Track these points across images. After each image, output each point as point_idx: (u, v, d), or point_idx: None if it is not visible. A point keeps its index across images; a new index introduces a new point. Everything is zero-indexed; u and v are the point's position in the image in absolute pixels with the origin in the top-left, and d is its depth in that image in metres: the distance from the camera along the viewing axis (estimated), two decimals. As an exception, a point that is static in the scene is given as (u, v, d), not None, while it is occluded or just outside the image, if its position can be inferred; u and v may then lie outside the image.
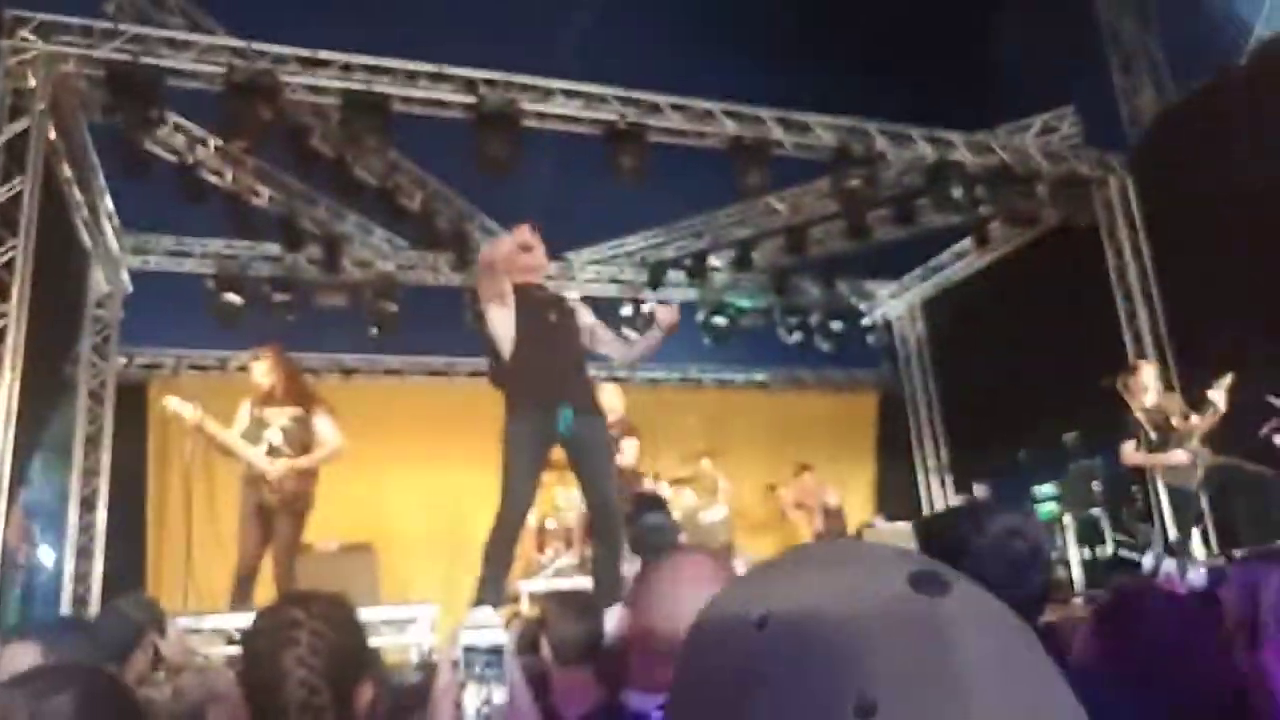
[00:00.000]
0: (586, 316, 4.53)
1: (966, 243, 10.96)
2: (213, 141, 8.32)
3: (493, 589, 4.17)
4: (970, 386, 11.62)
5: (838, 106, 8.37)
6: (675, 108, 7.92)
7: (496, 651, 1.47)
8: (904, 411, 12.52)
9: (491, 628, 1.52)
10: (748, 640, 0.46)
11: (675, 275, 11.01)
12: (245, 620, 4.67)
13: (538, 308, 4.26)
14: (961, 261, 11.36)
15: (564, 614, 2.65)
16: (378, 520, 9.08)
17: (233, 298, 9.35)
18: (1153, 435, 6.86)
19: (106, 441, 8.73)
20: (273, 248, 9.59)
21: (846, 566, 0.49)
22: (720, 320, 11.23)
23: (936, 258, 11.63)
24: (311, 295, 9.79)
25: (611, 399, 6.19)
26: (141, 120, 6.84)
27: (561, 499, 8.62)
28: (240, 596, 5.50)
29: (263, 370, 5.69)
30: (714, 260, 10.90)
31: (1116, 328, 9.15)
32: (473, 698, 1.44)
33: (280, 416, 5.61)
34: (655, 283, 10.84)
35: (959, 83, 9.13)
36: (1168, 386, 7.19)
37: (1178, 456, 6.76)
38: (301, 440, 5.61)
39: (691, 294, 11.35)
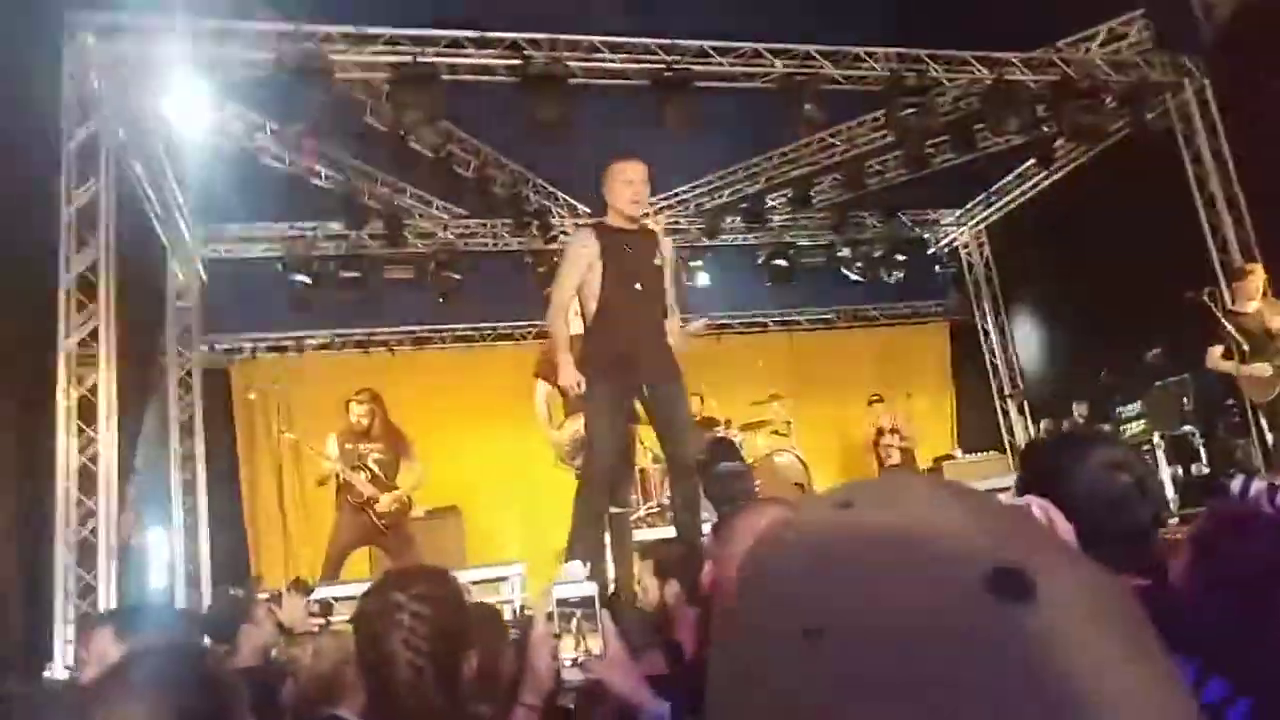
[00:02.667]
0: (668, 271, 4.56)
1: (1030, 164, 10.64)
2: (269, 125, 8.48)
3: (583, 543, 4.31)
4: (1043, 310, 11.38)
5: (887, 37, 8.14)
6: (721, 51, 7.80)
7: (589, 603, 1.52)
8: (977, 340, 12.30)
9: (582, 580, 1.58)
10: (799, 657, 0.40)
11: (732, 221, 10.93)
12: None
13: (629, 263, 4.34)
14: (1026, 183, 11.04)
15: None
16: (460, 483, 9.34)
17: (302, 278, 9.58)
18: (1244, 345, 6.65)
19: (198, 427, 9.08)
20: (336, 226, 9.78)
21: (915, 556, 0.41)
22: (781, 262, 11.13)
23: (1000, 182, 11.32)
24: (377, 270, 9.98)
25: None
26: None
27: (638, 448, 8.74)
28: (330, 575, 6.17)
29: (362, 411, 6.41)
30: (771, 202, 10.77)
31: (1197, 239, 8.80)
32: (568, 648, 1.51)
33: (373, 451, 6.37)
34: (713, 231, 10.78)
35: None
36: (1266, 295, 6.89)
37: (1259, 369, 6.55)
38: (393, 467, 6.42)
39: (750, 238, 11.28)
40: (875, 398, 10.27)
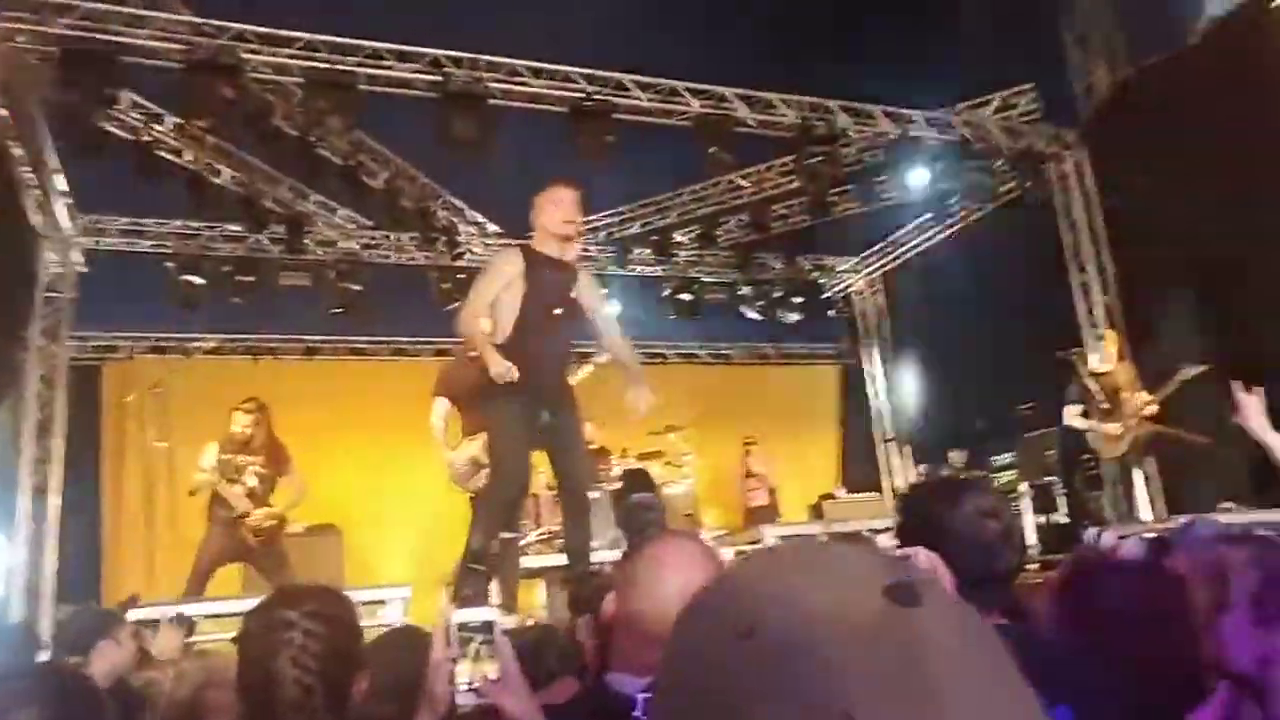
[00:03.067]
0: (594, 300, 4.65)
1: (926, 217, 11.14)
2: (170, 119, 8.16)
3: (477, 568, 4.26)
4: (929, 359, 11.87)
5: (801, 85, 8.43)
6: (641, 85, 7.93)
7: (488, 627, 1.54)
8: (863, 384, 12.73)
9: (482, 605, 1.60)
10: (733, 651, 0.47)
11: (641, 252, 11.05)
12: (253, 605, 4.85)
13: (550, 290, 4.39)
14: (921, 236, 11.55)
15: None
16: (343, 501, 9.08)
17: (192, 278, 9.20)
18: (1101, 405, 7.12)
19: (59, 428, 8.53)
20: (234, 228, 9.45)
21: (827, 576, 0.50)
22: (685, 296, 11.30)
23: (896, 233, 11.80)
24: (273, 275, 9.67)
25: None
26: (96, 98, 6.69)
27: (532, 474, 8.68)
28: (194, 591, 5.87)
29: (247, 421, 6.15)
30: (679, 237, 10.95)
31: (1070, 303, 9.37)
32: (463, 671, 1.51)
33: (253, 464, 6.12)
34: (621, 260, 10.87)
35: (920, 61, 9.21)
36: (1122, 359, 7.42)
37: (1110, 428, 7.03)
38: (271, 483, 6.18)
39: (657, 270, 11.42)
40: (749, 440, 10.43)
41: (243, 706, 1.59)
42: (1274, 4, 6.97)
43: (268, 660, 1.53)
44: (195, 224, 9.50)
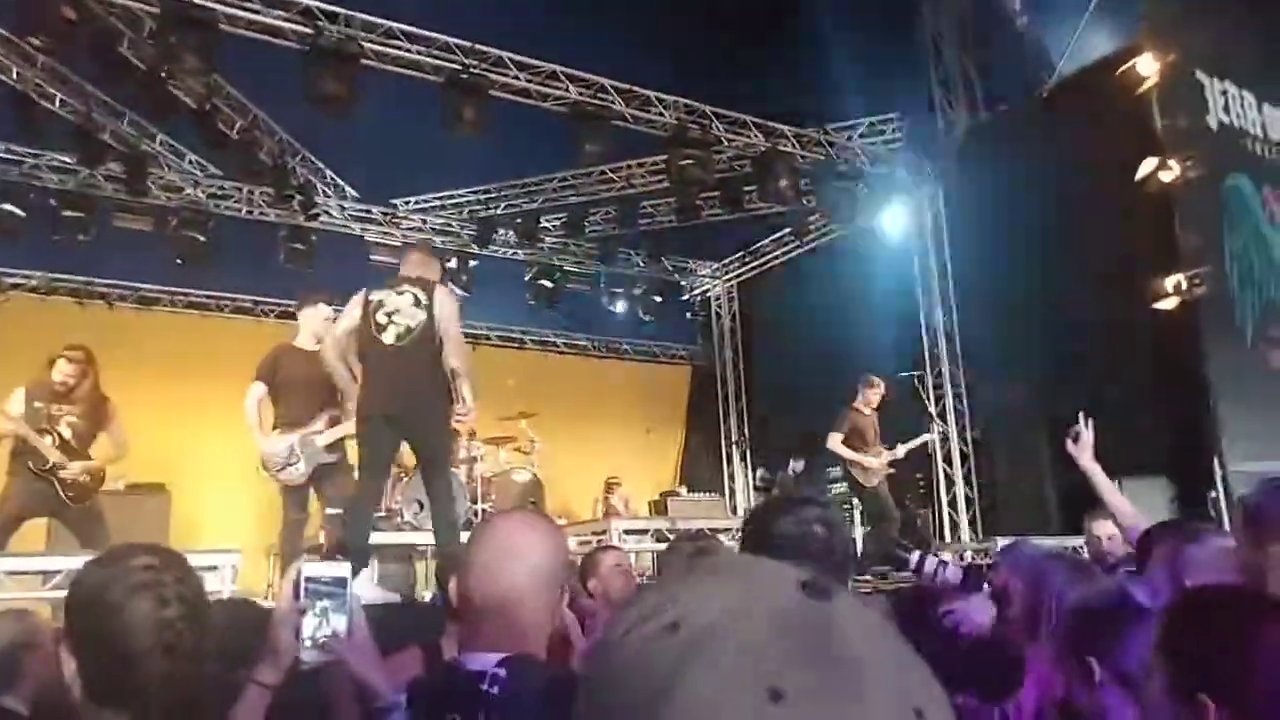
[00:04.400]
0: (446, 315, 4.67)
1: (786, 231, 11.47)
2: None
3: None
4: (777, 367, 12.24)
5: (680, 88, 8.53)
6: (519, 65, 7.83)
7: (339, 583, 1.50)
8: (714, 387, 13.01)
9: (335, 564, 1.55)
10: (662, 643, 0.49)
11: (505, 234, 10.92)
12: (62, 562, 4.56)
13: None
14: (780, 249, 11.90)
15: None
16: (171, 461, 8.60)
17: (11, 208, 8.48)
18: (866, 437, 7.74)
19: None
20: (64, 158, 8.76)
21: (745, 577, 0.54)
22: (546, 283, 11.24)
23: (758, 243, 12.12)
24: (107, 216, 9.02)
25: None
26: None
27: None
28: None
29: (70, 371, 5.67)
30: (545, 222, 10.88)
31: (917, 325, 9.84)
32: (310, 625, 1.47)
33: (71, 414, 5.66)
34: (484, 240, 10.71)
35: (795, 79, 9.49)
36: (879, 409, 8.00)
37: (870, 461, 7.72)
38: (88, 437, 5.74)
39: (519, 254, 11.32)
40: (614, 480, 10.40)
41: (83, 662, 1.42)
42: (1121, 70, 7.50)
43: (129, 607, 1.40)
44: (19, 149, 8.74)
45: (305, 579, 1.49)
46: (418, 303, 4.58)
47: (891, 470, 7.99)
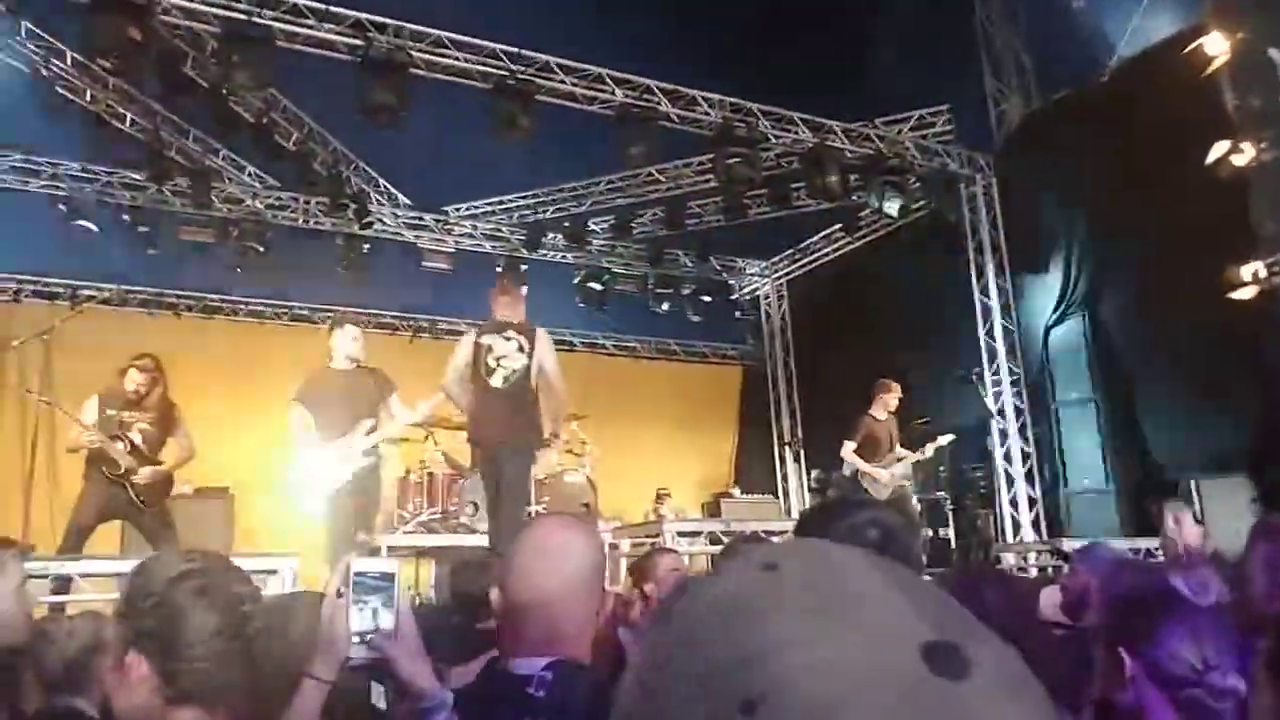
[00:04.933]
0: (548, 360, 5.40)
1: (836, 228, 11.41)
2: (70, 54, 7.81)
3: None
4: (829, 366, 12.16)
5: (725, 86, 8.56)
6: (565, 69, 7.94)
7: (388, 578, 1.49)
8: (766, 387, 12.98)
9: (383, 559, 1.57)
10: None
11: (553, 238, 11.05)
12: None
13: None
14: (830, 246, 11.83)
15: None
16: (235, 465, 8.85)
17: (86, 223, 8.83)
18: (880, 446, 7.60)
19: (-66, 368, 8.15)
20: (134, 175, 9.10)
21: (849, 623, 0.40)
22: (595, 286, 11.34)
23: (806, 241, 12.07)
24: (174, 228, 9.35)
25: None
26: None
27: (427, 453, 8.63)
28: (70, 549, 5.62)
29: (141, 380, 5.92)
30: (593, 225, 10.98)
31: (973, 320, 9.69)
32: (358, 620, 1.46)
33: (141, 421, 5.90)
34: (533, 244, 10.85)
35: (842, 74, 9.45)
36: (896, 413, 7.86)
37: (879, 474, 7.55)
38: (158, 442, 5.98)
39: (568, 257, 11.43)
40: (664, 491, 10.41)
41: (153, 662, 1.47)
42: (1187, 50, 7.26)
43: (189, 612, 1.47)
44: (94, 168, 9.11)
45: (354, 574, 1.47)
46: (521, 349, 5.31)
47: (905, 482, 7.77)
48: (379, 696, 1.70)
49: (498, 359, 5.28)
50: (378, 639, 1.46)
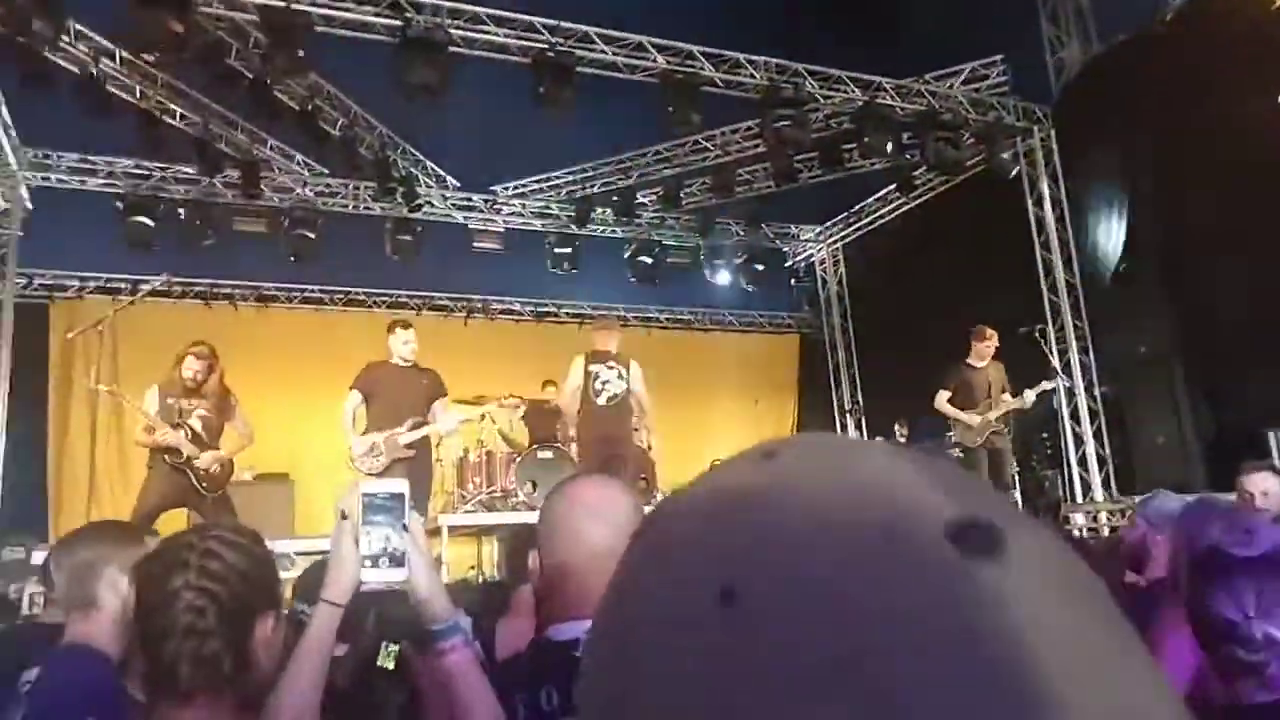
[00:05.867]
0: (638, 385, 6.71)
1: (890, 188, 11.12)
2: (120, 53, 7.92)
3: None
4: (888, 330, 11.91)
5: (769, 48, 8.35)
6: (605, 39, 7.81)
7: (398, 499, 1.46)
8: (824, 354, 12.77)
9: (392, 479, 1.53)
10: (702, 624, 0.32)
11: (602, 212, 10.95)
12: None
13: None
14: (885, 207, 11.54)
15: None
16: (295, 451, 8.98)
17: (143, 219, 8.99)
18: (971, 395, 7.37)
19: (4, 365, 8.38)
20: (186, 169, 9.23)
21: (855, 504, 0.33)
22: (646, 259, 11.23)
23: (861, 202, 11.78)
24: (227, 220, 9.48)
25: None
26: (38, 28, 6.47)
27: (484, 432, 8.66)
28: None
29: (199, 367, 6.02)
30: (641, 198, 10.86)
31: (1034, 277, 9.40)
32: (368, 543, 1.42)
33: (199, 407, 6.00)
34: (583, 219, 10.77)
35: (890, 29, 9.15)
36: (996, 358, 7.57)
37: (971, 418, 7.29)
38: (217, 429, 6.10)
39: (618, 231, 11.33)
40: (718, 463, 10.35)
41: (139, 630, 1.46)
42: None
43: (163, 581, 1.41)
44: (148, 164, 9.27)
45: (362, 495, 1.44)
46: (620, 376, 6.57)
47: (1000, 429, 7.53)
48: (386, 657, 1.65)
49: (602, 383, 6.54)
50: (390, 558, 1.42)
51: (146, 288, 8.66)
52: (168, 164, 9.27)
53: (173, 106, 8.53)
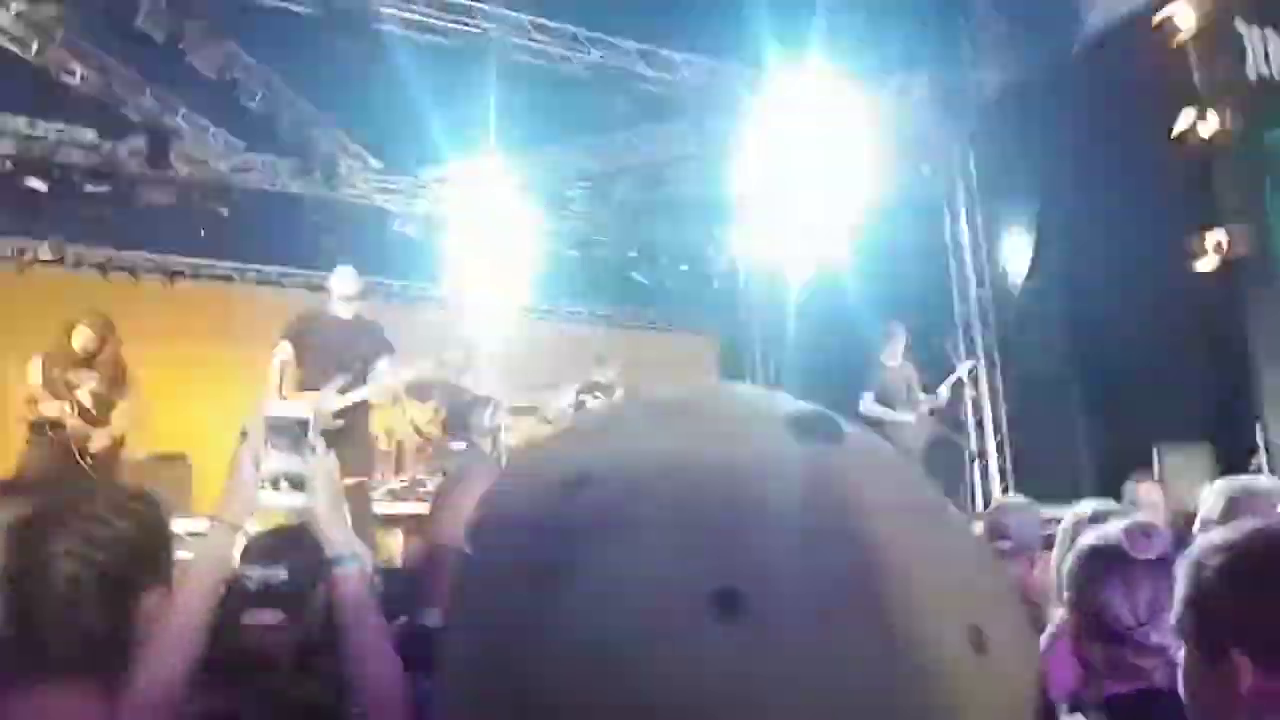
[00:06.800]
0: None
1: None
2: (15, 5, 7.46)
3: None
4: (801, 344, 11.99)
5: (702, 45, 8.36)
6: (539, 27, 7.70)
7: (302, 424, 1.44)
8: (744, 357, 12.84)
9: (298, 404, 1.51)
10: (555, 509, 0.32)
11: (529, 203, 10.78)
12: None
13: None
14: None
15: None
16: (193, 430, 8.63)
17: (36, 183, 8.50)
18: (893, 395, 7.37)
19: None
20: (89, 134, 8.75)
21: (701, 409, 0.36)
22: (572, 253, 11.13)
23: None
24: (132, 189, 9.03)
25: None
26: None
27: (394, 421, 8.46)
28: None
29: (89, 336, 5.67)
30: (569, 192, 10.74)
31: (947, 294, 9.62)
32: (269, 465, 1.40)
33: (90, 380, 5.67)
34: (508, 208, 10.59)
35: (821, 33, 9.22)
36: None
37: (905, 418, 7.28)
38: (108, 405, 5.75)
39: (545, 223, 11.18)
40: None
41: (11, 594, 1.30)
42: (1156, 21, 7.21)
43: (40, 543, 1.27)
44: (43, 124, 8.75)
45: (266, 418, 1.44)
46: None
47: (937, 426, 7.56)
48: None
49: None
50: (291, 481, 1.40)
51: (33, 255, 8.19)
52: (65, 125, 8.77)
53: (73, 65, 8.06)
